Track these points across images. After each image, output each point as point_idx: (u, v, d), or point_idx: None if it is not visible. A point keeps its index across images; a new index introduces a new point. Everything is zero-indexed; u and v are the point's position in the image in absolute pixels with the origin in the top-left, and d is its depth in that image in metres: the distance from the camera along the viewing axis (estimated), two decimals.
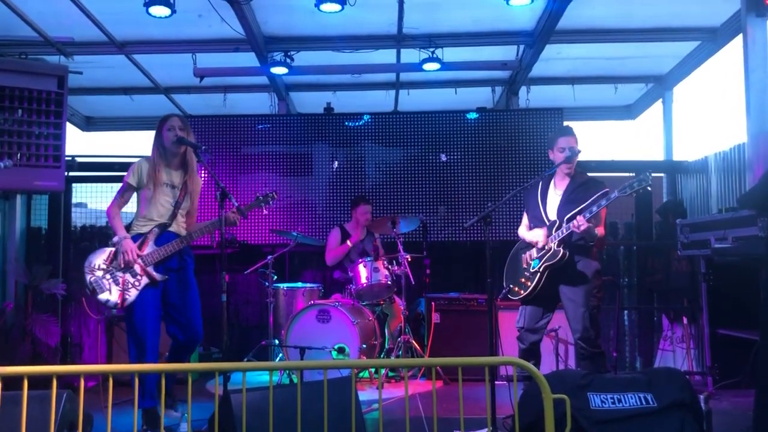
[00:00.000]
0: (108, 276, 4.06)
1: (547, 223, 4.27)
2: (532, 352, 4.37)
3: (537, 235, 4.27)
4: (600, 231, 4.23)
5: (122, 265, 4.07)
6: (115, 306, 4.04)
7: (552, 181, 4.41)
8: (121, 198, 4.28)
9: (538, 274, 4.24)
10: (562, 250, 4.14)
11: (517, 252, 4.53)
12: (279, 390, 3.34)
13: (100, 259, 4.10)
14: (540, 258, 4.24)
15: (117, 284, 4.04)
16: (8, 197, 6.77)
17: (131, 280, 4.07)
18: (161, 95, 8.19)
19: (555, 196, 4.35)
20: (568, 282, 4.24)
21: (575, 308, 4.19)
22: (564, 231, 4.13)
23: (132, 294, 4.06)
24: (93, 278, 4.04)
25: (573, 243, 4.20)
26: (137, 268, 4.09)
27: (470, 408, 4.43)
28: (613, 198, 4.01)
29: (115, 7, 5.82)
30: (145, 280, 4.11)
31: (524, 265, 4.37)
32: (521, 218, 4.63)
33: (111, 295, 4.03)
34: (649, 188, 3.90)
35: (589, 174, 4.52)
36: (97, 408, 4.16)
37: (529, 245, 4.38)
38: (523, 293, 4.32)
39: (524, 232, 4.48)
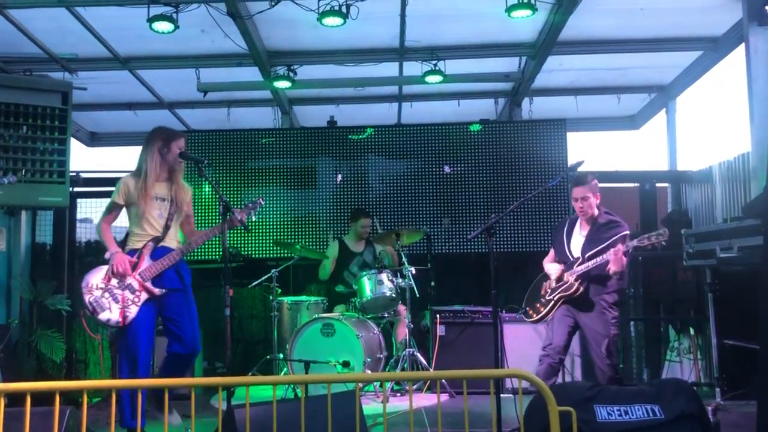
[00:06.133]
0: (107, 294, 3.95)
1: (571, 259, 4.56)
2: (556, 369, 4.56)
3: (552, 270, 4.63)
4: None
5: (116, 277, 3.98)
6: (117, 324, 3.92)
7: (578, 222, 4.68)
8: (110, 215, 4.24)
9: (552, 302, 4.56)
10: (576, 285, 4.42)
11: (539, 280, 4.84)
12: (283, 404, 3.32)
13: (97, 277, 3.99)
14: (557, 288, 4.56)
15: (117, 302, 3.94)
16: (13, 213, 6.78)
17: (130, 296, 3.98)
18: (165, 110, 8.23)
19: (579, 236, 4.63)
20: (588, 311, 4.47)
21: (596, 337, 4.41)
22: (584, 267, 4.42)
23: (132, 311, 3.97)
24: (92, 298, 3.92)
25: (592, 276, 4.44)
26: (136, 284, 4.01)
27: (476, 421, 4.40)
28: (631, 247, 4.25)
29: (119, 24, 5.86)
30: (144, 296, 4.02)
31: (542, 292, 4.69)
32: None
33: (112, 313, 3.92)
34: (663, 243, 4.18)
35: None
36: (100, 424, 4.14)
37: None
38: (535, 317, 4.71)
39: (547, 264, 4.77)
